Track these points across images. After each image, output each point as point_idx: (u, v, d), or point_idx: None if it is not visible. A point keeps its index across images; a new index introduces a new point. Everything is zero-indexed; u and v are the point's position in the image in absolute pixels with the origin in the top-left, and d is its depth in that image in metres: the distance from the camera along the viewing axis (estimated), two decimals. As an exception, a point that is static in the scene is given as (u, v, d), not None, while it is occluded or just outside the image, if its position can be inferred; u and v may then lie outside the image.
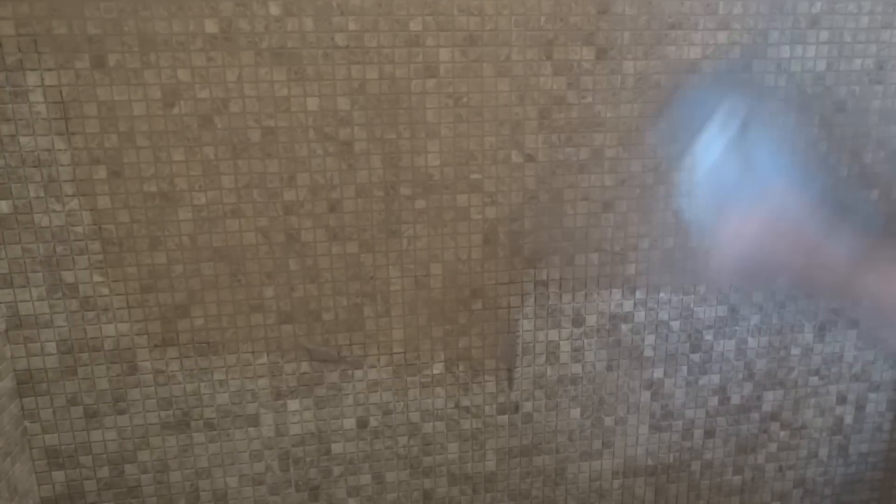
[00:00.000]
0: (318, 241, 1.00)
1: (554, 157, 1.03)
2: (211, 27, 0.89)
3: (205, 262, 0.97)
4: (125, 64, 0.88)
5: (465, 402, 1.11)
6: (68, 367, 0.97)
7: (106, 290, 0.95)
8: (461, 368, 1.09)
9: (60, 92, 0.87)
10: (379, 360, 1.06)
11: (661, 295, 1.12)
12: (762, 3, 1.02)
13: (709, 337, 1.16)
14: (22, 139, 0.88)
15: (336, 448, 1.08)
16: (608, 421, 1.17)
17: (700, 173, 0.71)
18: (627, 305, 1.11)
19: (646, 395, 1.17)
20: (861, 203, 0.95)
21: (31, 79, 0.86)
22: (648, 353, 1.14)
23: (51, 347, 0.95)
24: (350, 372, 1.06)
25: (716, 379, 1.18)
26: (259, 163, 0.95)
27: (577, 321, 1.11)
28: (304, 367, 1.04)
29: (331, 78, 0.94)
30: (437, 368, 1.08)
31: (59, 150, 0.89)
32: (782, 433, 1.24)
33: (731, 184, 0.68)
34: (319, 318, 1.03)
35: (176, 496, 1.05)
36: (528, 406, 1.13)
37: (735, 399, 1.20)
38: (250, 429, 1.05)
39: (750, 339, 1.17)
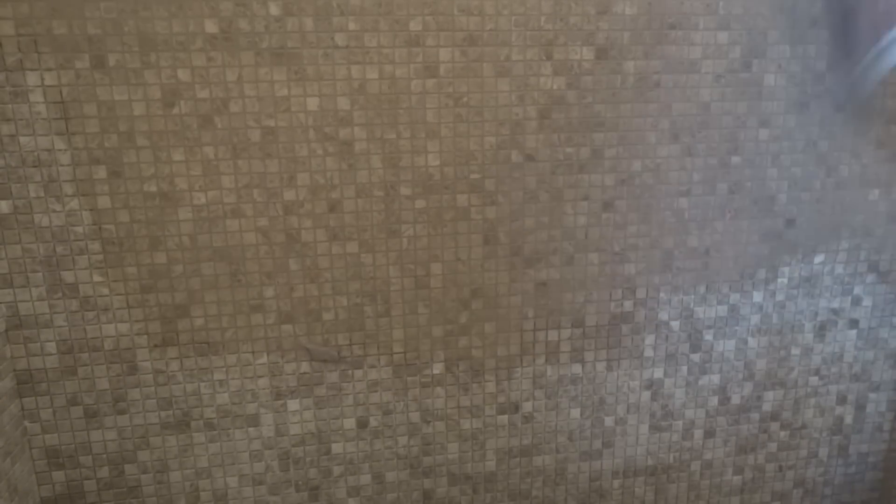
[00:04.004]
0: (318, 241, 1.00)
1: (554, 157, 1.03)
2: (211, 27, 0.89)
3: (205, 262, 0.97)
4: (125, 64, 0.88)
5: (465, 402, 1.11)
6: (68, 367, 0.97)
7: (106, 290, 0.95)
8: (461, 368, 1.09)
9: (60, 92, 0.87)
10: (379, 360, 1.06)
11: (661, 295, 1.12)
12: (762, 3, 1.02)
13: (709, 337, 1.16)
14: (22, 139, 0.88)
15: (336, 448, 1.08)
16: (608, 421, 1.17)
17: None
18: (627, 305, 1.11)
19: (646, 395, 1.17)
20: None
21: (31, 79, 0.86)
22: (648, 353, 1.14)
23: (51, 347, 0.96)
24: (350, 372, 1.06)
25: (716, 379, 1.18)
26: (259, 163, 0.95)
27: (577, 321, 1.11)
28: (304, 367, 1.04)
29: (331, 78, 0.94)
30: (437, 368, 1.08)
31: (59, 150, 0.89)
32: (782, 433, 1.24)
33: None
34: (319, 318, 1.03)
35: (176, 496, 1.05)
36: (528, 406, 1.13)
37: (735, 399, 1.20)
38: (250, 429, 1.05)
39: (750, 339, 1.17)
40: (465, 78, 0.97)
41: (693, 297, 1.13)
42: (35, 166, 0.89)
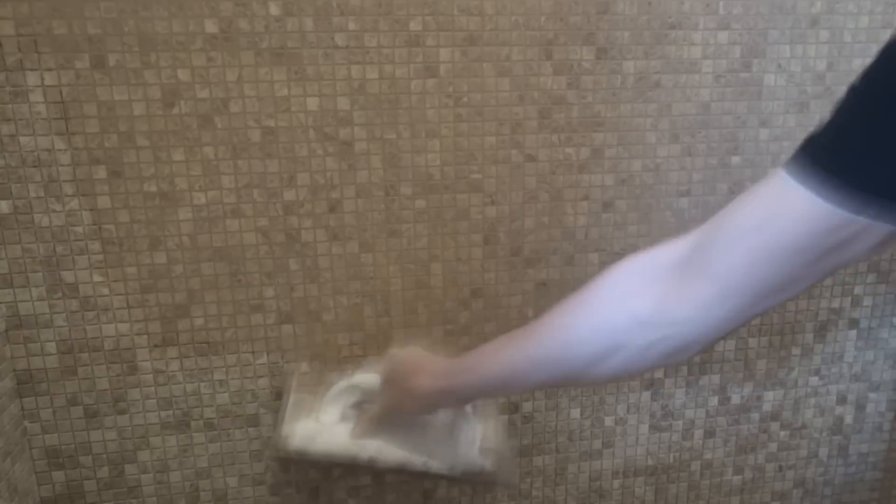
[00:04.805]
0: (318, 241, 1.00)
1: (554, 157, 1.03)
2: (211, 27, 0.89)
3: (205, 262, 0.97)
4: (125, 64, 0.88)
5: (465, 402, 1.11)
6: (68, 367, 0.97)
7: (106, 290, 0.95)
8: (461, 368, 1.09)
9: (60, 92, 0.87)
10: (379, 360, 1.06)
11: (661, 295, 1.12)
12: (762, 3, 1.02)
13: (709, 337, 1.16)
14: (22, 139, 0.88)
15: (336, 448, 1.08)
16: (608, 421, 1.17)
17: None
18: (627, 305, 1.11)
19: (646, 395, 1.17)
20: None
21: (31, 79, 0.86)
22: (648, 353, 1.14)
23: (51, 347, 0.96)
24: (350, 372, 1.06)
25: (716, 379, 1.18)
26: (259, 163, 0.95)
27: (577, 321, 1.10)
28: (304, 367, 1.04)
29: (331, 78, 0.94)
30: (437, 368, 1.08)
31: (59, 150, 0.89)
32: (782, 433, 1.24)
33: None
34: (319, 318, 1.03)
35: (176, 496, 1.05)
36: (527, 406, 1.13)
37: (735, 399, 1.20)
38: (250, 429, 1.05)
39: (750, 340, 1.17)
40: (465, 78, 0.97)
41: (693, 297, 1.13)
42: (35, 166, 0.89)
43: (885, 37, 1.11)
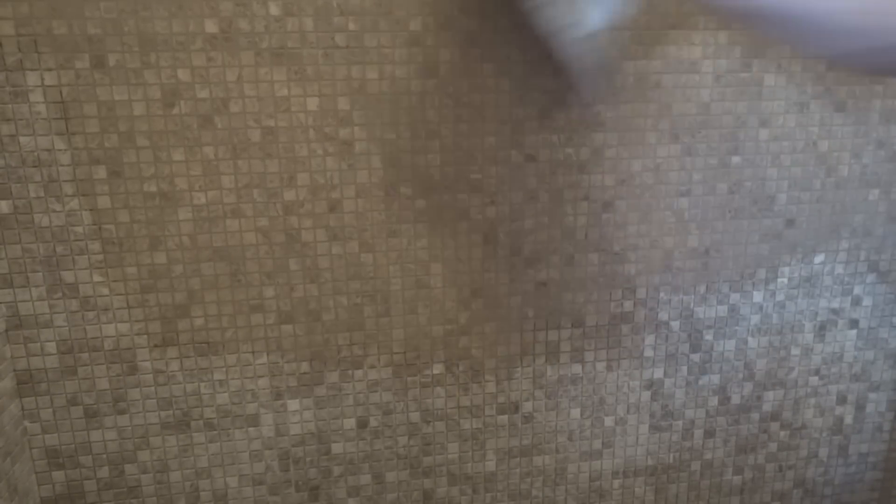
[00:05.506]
0: (318, 241, 1.00)
1: (554, 157, 1.03)
2: (211, 27, 0.89)
3: (205, 262, 0.97)
4: (125, 64, 0.88)
5: (465, 402, 1.11)
6: (68, 367, 0.97)
7: (106, 290, 0.95)
8: (461, 368, 1.09)
9: (60, 92, 0.87)
10: (379, 360, 1.06)
11: (661, 295, 1.12)
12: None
13: (709, 337, 1.16)
14: (22, 139, 0.88)
15: (336, 448, 1.08)
16: (608, 421, 1.17)
17: None
18: (627, 305, 1.11)
19: (646, 395, 1.17)
20: None
21: (31, 79, 0.86)
22: (648, 353, 1.14)
23: (51, 347, 0.96)
24: (350, 372, 1.06)
25: (716, 379, 1.18)
26: (259, 163, 0.95)
27: (577, 321, 1.11)
28: (304, 367, 1.04)
29: (331, 78, 0.94)
30: (437, 368, 1.08)
31: (59, 150, 0.89)
32: (782, 433, 1.24)
33: None
34: (319, 318, 1.03)
35: (176, 496, 1.05)
36: (528, 406, 1.13)
37: (735, 399, 1.20)
38: (250, 429, 1.05)
39: (750, 339, 1.17)
40: (465, 78, 0.97)
41: (693, 297, 1.13)
42: (35, 166, 0.89)
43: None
